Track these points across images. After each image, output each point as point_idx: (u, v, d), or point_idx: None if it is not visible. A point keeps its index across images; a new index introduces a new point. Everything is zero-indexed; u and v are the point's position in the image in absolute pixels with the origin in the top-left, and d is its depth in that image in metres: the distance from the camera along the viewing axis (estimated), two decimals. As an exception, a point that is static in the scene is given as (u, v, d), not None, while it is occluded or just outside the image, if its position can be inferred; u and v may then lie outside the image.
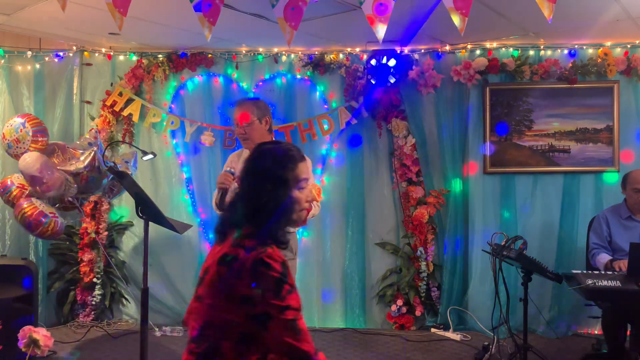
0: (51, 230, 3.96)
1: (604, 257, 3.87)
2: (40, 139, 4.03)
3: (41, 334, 2.37)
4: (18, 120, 4.08)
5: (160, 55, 5.09)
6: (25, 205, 3.97)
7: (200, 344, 1.73)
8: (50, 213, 4.02)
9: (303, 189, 1.83)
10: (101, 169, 4.06)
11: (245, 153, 3.40)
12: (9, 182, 4.11)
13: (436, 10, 3.66)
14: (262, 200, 1.75)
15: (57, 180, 3.88)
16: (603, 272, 3.60)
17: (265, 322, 1.65)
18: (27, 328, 2.39)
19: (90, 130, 4.73)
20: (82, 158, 4.05)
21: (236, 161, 3.39)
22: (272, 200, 1.74)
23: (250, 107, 3.25)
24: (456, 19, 2.65)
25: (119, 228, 5.19)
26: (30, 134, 4.01)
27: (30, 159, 3.90)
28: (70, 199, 4.14)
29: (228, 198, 3.07)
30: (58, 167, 3.97)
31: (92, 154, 4.02)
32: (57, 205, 4.22)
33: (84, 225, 5.00)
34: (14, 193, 4.04)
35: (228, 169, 3.07)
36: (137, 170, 4.60)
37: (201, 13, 2.82)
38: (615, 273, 3.53)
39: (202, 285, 1.77)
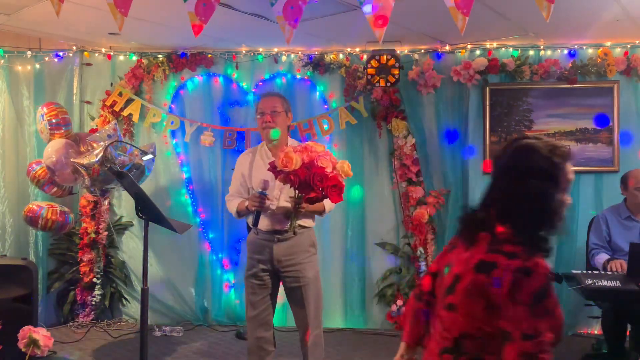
0: (52, 219, 4.18)
1: (602, 257, 3.87)
2: (58, 132, 4.29)
3: (41, 334, 2.36)
4: (42, 110, 4.35)
5: (160, 55, 5.09)
6: (27, 207, 4.26)
7: (457, 356, 1.59)
8: (47, 204, 4.26)
9: (568, 192, 1.61)
10: (139, 158, 4.20)
11: (262, 151, 3.35)
12: (34, 164, 4.46)
13: (436, 10, 3.65)
14: (526, 201, 1.55)
15: (68, 176, 4.14)
16: (603, 272, 3.60)
17: (505, 340, 1.48)
18: (27, 328, 2.38)
19: (110, 122, 4.75)
20: (95, 152, 4.14)
21: (249, 162, 3.33)
22: (538, 201, 1.55)
23: (279, 98, 3.33)
24: (457, 19, 2.65)
25: (119, 228, 5.19)
26: (48, 127, 4.29)
27: (51, 150, 4.19)
28: (91, 189, 4.35)
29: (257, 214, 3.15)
30: (72, 160, 4.13)
31: (103, 149, 4.11)
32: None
33: (83, 225, 5.00)
34: (39, 172, 4.38)
35: (260, 190, 3.08)
36: (154, 163, 4.59)
37: (193, 12, 2.79)
38: (615, 273, 3.53)
39: (453, 293, 1.62)
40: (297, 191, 2.93)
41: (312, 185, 2.81)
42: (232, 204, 3.32)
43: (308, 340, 3.20)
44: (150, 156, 4.29)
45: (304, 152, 2.87)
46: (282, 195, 3.14)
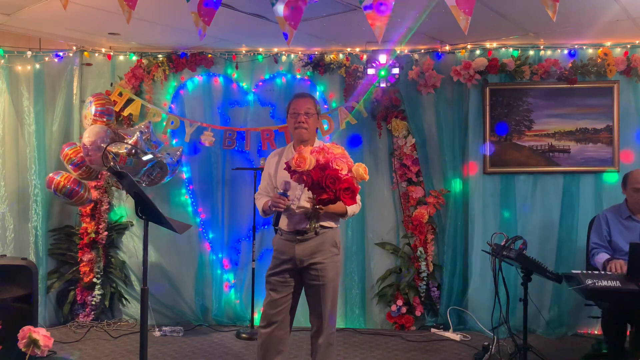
0: (63, 182, 4.61)
1: (602, 257, 3.87)
2: (100, 119, 4.63)
3: (41, 334, 2.36)
4: (90, 98, 4.74)
5: (160, 55, 5.09)
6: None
7: None
8: (65, 173, 4.71)
9: None
10: (140, 156, 4.35)
11: (289, 152, 3.34)
12: (65, 147, 4.76)
13: (436, 10, 3.66)
14: None
15: (98, 159, 4.44)
16: (603, 272, 3.60)
17: None
18: (27, 328, 2.38)
19: (146, 121, 4.81)
20: (125, 142, 4.38)
21: (275, 162, 3.34)
22: None
23: (313, 100, 3.36)
24: (459, 19, 2.64)
25: (119, 228, 5.19)
26: (93, 112, 4.61)
27: (90, 131, 4.49)
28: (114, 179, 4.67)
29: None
30: (104, 145, 4.35)
31: (135, 141, 4.37)
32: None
33: (83, 225, 5.00)
34: (70, 152, 4.70)
35: (281, 191, 3.09)
36: (178, 166, 4.64)
37: (196, 12, 2.80)
38: (615, 273, 3.53)
39: None
40: (310, 192, 2.94)
41: (323, 186, 2.80)
42: (259, 203, 3.35)
43: (321, 340, 3.21)
44: (150, 156, 4.30)
45: (320, 153, 2.87)
46: (302, 196, 3.15)
